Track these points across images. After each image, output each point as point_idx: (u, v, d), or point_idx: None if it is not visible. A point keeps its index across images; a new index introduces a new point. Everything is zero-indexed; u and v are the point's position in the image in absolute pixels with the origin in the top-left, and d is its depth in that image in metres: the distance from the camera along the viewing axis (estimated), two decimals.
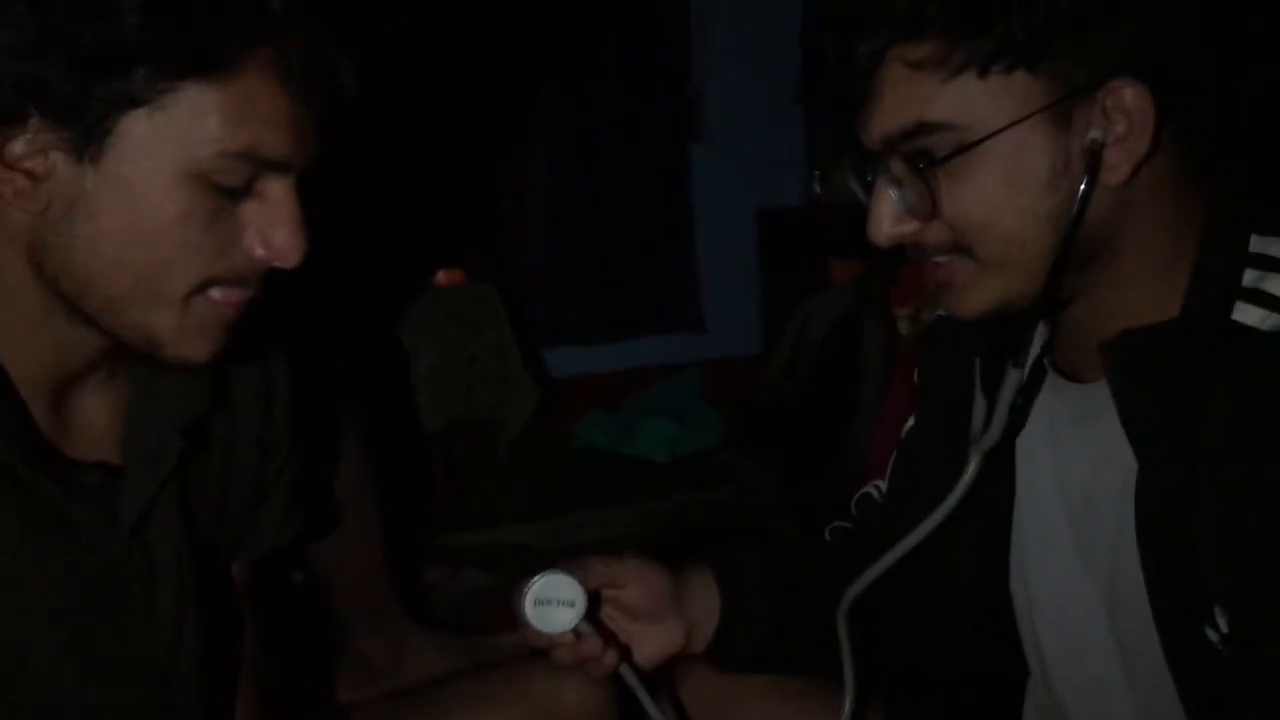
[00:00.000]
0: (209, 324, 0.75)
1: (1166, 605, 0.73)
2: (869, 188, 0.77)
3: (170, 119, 0.68)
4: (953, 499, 0.79)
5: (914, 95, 0.72)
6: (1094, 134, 0.71)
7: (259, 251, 0.74)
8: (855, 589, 0.86)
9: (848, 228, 0.87)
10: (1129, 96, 0.71)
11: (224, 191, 0.71)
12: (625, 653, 0.88)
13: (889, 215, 0.75)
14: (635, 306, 3.12)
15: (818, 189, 0.85)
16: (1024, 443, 0.84)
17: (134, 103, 0.68)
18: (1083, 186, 0.71)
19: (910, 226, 0.75)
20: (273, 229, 0.73)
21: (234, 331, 0.77)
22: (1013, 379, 0.77)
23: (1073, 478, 0.80)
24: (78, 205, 0.70)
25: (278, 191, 0.73)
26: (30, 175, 0.69)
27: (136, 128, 0.68)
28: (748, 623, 0.92)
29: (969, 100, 0.71)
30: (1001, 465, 0.83)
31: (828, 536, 1.06)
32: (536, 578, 0.82)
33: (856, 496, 1.09)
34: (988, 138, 0.71)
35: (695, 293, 3.17)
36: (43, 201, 0.70)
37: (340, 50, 0.73)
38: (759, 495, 2.32)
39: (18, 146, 0.68)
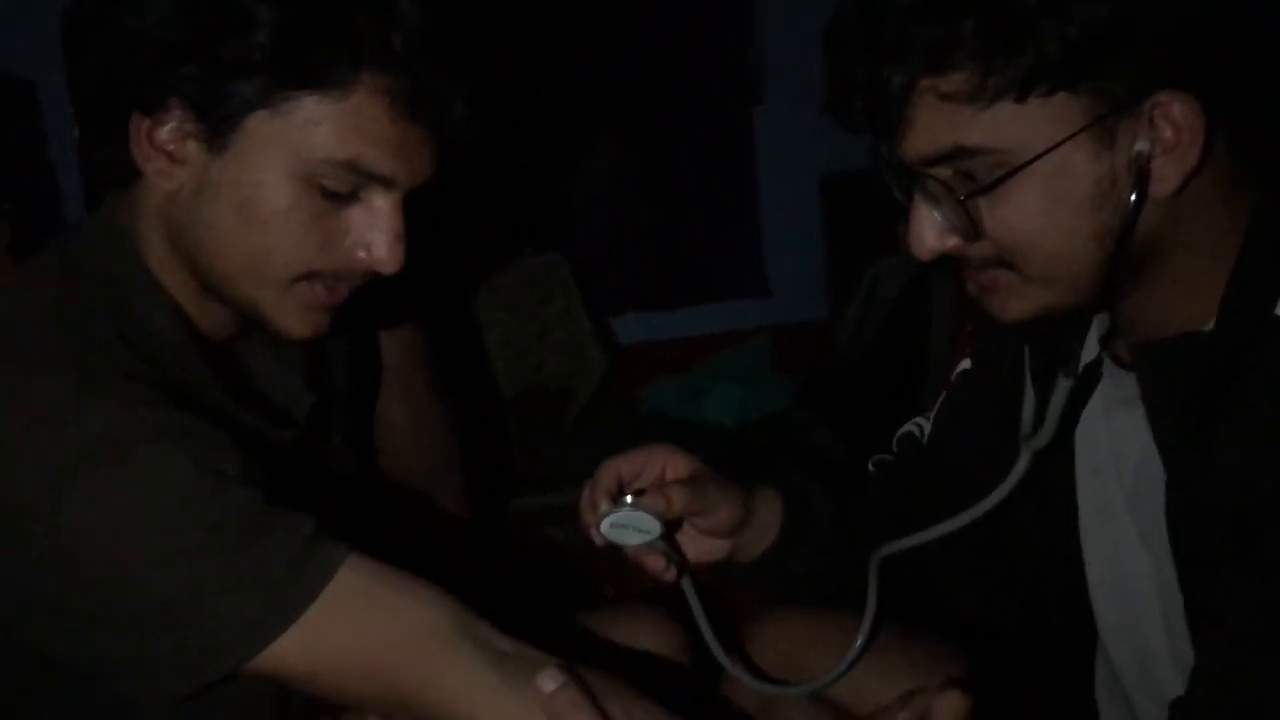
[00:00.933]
0: (308, 308, 0.84)
1: (1195, 598, 0.75)
2: (907, 197, 0.76)
3: (287, 123, 0.77)
4: (999, 493, 0.81)
5: (949, 122, 0.70)
6: (1140, 146, 0.69)
7: (359, 254, 0.82)
8: (889, 550, 0.89)
9: None
10: (1177, 110, 0.69)
11: (330, 195, 0.79)
12: (686, 564, 0.92)
13: (931, 231, 0.75)
14: (700, 272, 3.13)
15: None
16: (1085, 421, 0.85)
17: (259, 105, 0.76)
18: (1132, 199, 0.70)
19: (953, 242, 0.75)
20: (373, 237, 0.81)
21: (334, 317, 0.86)
22: (1063, 388, 0.77)
23: (1128, 457, 0.82)
24: (204, 189, 0.80)
25: (381, 203, 0.81)
26: (171, 158, 0.79)
27: (259, 127, 0.77)
28: (801, 551, 0.95)
29: (1008, 125, 0.70)
30: (1061, 442, 0.84)
31: (871, 468, 1.08)
32: (615, 510, 0.86)
33: (900, 433, 1.09)
34: (1030, 162, 0.70)
35: (760, 258, 3.17)
36: (178, 182, 0.80)
37: (453, 90, 0.79)
38: (828, 458, 2.33)
39: (163, 132, 0.79)
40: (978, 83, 0.69)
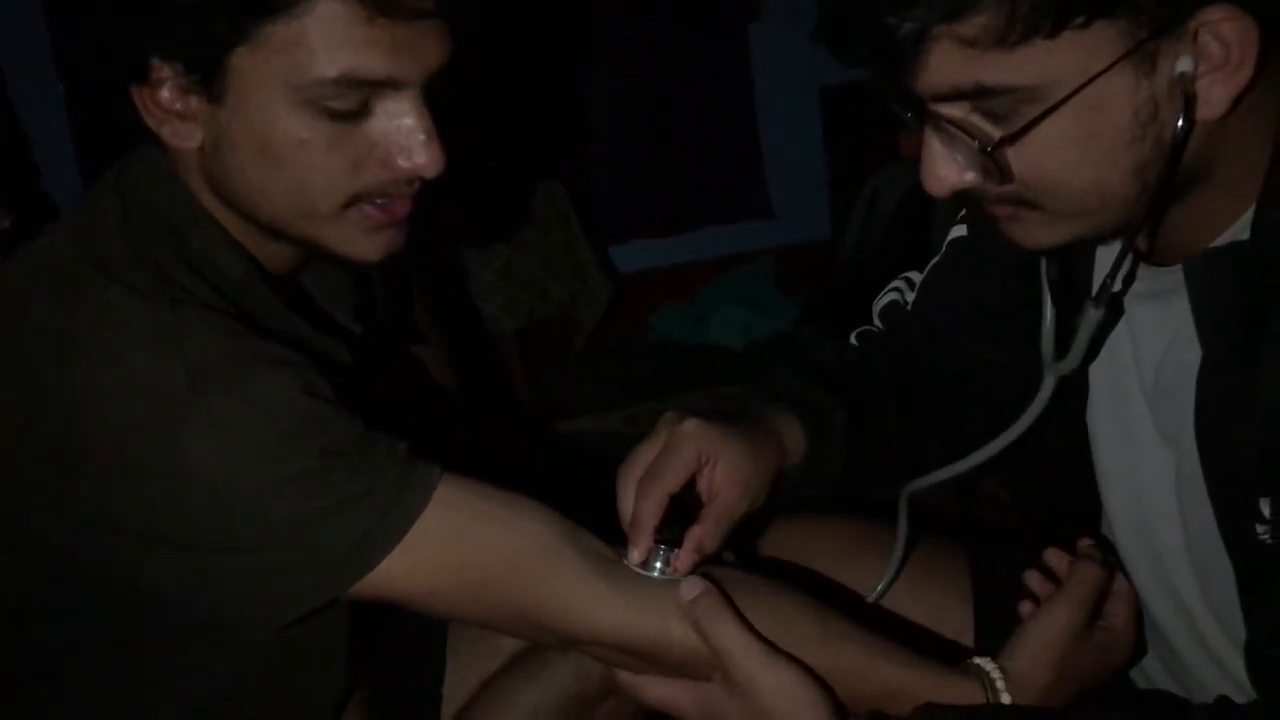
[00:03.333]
0: (370, 230, 0.80)
1: (1220, 488, 0.73)
2: (918, 128, 0.69)
3: (268, 53, 0.73)
4: (1026, 419, 0.78)
5: (969, 62, 0.63)
6: (1183, 68, 0.63)
7: (400, 163, 0.77)
8: (919, 485, 0.87)
9: None
10: (1227, 28, 0.62)
11: (341, 115, 0.75)
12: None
13: (946, 167, 0.69)
14: (701, 196, 3.09)
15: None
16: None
17: (235, 42, 0.73)
18: (1178, 125, 0.64)
19: (970, 177, 0.69)
20: (404, 143, 0.77)
21: (405, 230, 0.82)
22: (1093, 318, 0.74)
23: (1149, 353, 0.79)
24: (221, 141, 0.77)
25: (398, 107, 0.76)
26: (180, 116, 0.77)
27: (244, 64, 0.74)
28: (827, 465, 0.92)
29: (1037, 61, 0.62)
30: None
31: (854, 341, 1.04)
32: (658, 560, 0.79)
33: (882, 302, 1.04)
34: (1064, 99, 0.63)
35: (761, 178, 3.13)
36: (199, 138, 0.77)
37: None
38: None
39: (164, 93, 0.76)
40: (1003, 24, 0.61)
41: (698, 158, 3.08)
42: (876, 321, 1.06)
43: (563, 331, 2.71)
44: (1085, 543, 0.82)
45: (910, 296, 1.03)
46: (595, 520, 0.81)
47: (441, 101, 0.79)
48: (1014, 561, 0.94)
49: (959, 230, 0.98)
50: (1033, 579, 0.84)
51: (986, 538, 1.08)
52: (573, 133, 2.99)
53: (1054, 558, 0.84)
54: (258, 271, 0.82)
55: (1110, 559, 0.83)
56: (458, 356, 1.74)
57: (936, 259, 1.01)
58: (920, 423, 0.99)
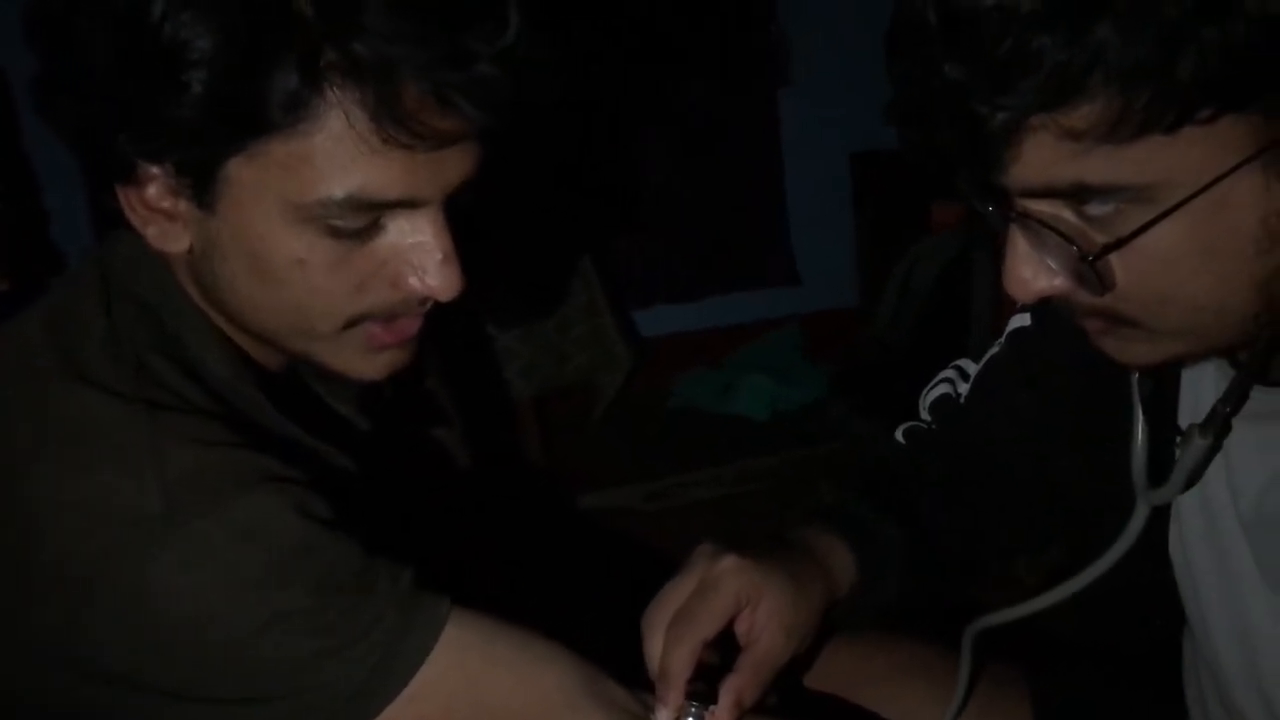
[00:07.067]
0: (372, 351, 0.72)
1: None
2: (1001, 225, 0.60)
3: (266, 168, 0.64)
4: (1113, 554, 0.70)
5: (1070, 156, 0.54)
6: None
7: (411, 283, 0.69)
8: (986, 623, 0.79)
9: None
10: None
11: (346, 234, 0.66)
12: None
13: (1032, 269, 0.59)
14: (726, 261, 3.03)
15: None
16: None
17: (231, 152, 0.65)
18: None
19: (1060, 283, 0.60)
20: (418, 264, 0.68)
21: (413, 349, 0.74)
22: (1199, 446, 0.66)
23: (1248, 480, 0.69)
24: (210, 249, 0.69)
25: (415, 226, 0.68)
26: (169, 217, 0.68)
27: (241, 174, 0.65)
28: (879, 587, 0.84)
29: (1151, 159, 0.53)
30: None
31: (900, 438, 0.95)
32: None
33: (932, 396, 0.95)
34: (1182, 203, 0.54)
35: (787, 244, 3.06)
36: (185, 242, 0.69)
37: (459, 59, 0.64)
38: (871, 452, 2.24)
39: (151, 190, 0.68)
40: (1116, 116, 0.52)
41: (723, 221, 3.02)
42: (925, 415, 0.97)
43: (582, 399, 2.64)
44: None
45: (963, 389, 0.95)
46: (609, 616, 0.75)
47: (464, 214, 0.70)
48: (1080, 696, 0.85)
49: (1021, 319, 0.89)
50: None
51: (1048, 655, 0.98)
52: (596, 194, 2.95)
53: None
54: (249, 369, 0.74)
55: None
56: (472, 426, 1.67)
57: (995, 350, 0.93)
58: (979, 533, 0.90)
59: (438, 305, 0.72)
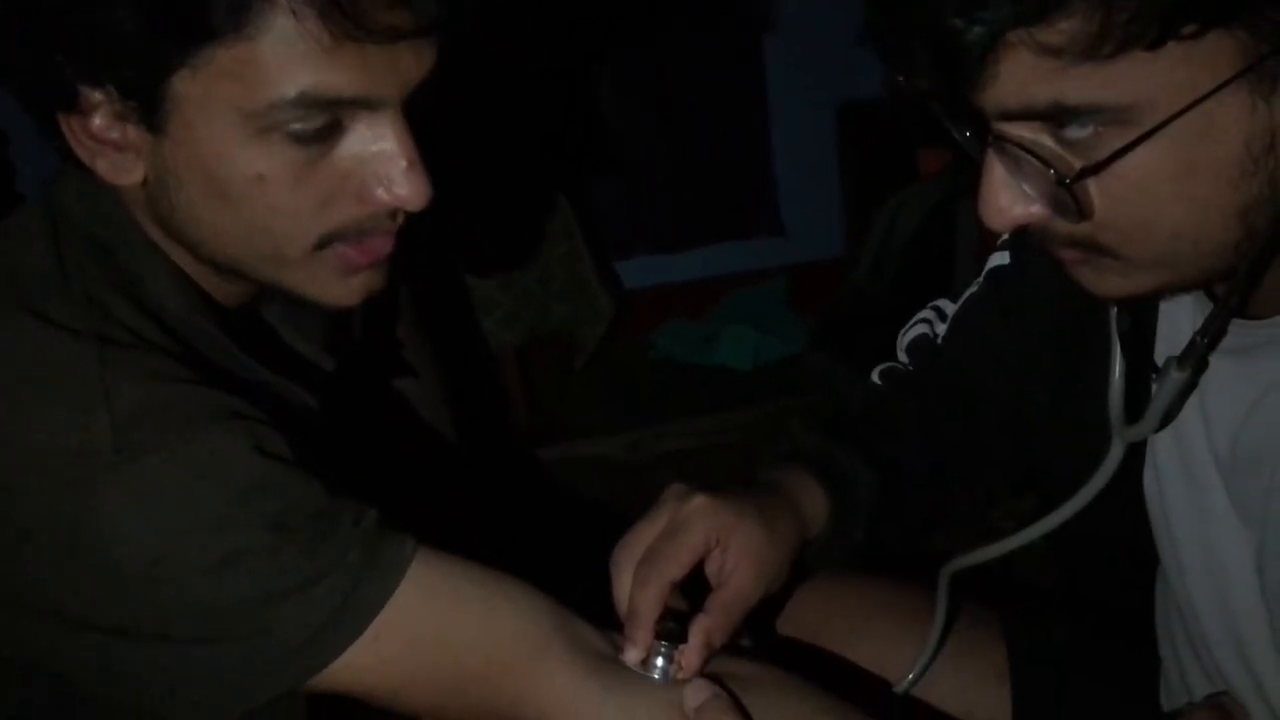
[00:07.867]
0: (346, 273, 0.70)
1: None
2: (978, 150, 0.58)
3: (212, 77, 0.61)
4: (1088, 492, 0.69)
5: (1049, 74, 0.52)
6: None
7: (378, 194, 0.67)
8: (961, 563, 0.78)
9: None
10: None
11: (304, 139, 0.64)
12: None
13: (1009, 196, 0.58)
14: (710, 211, 3.00)
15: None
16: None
17: (174, 66, 0.61)
18: None
19: (1037, 211, 0.58)
20: (382, 172, 0.66)
21: (386, 270, 0.72)
22: (1175, 380, 0.64)
23: (1223, 415, 0.68)
24: (165, 176, 0.66)
25: (375, 132, 0.65)
26: (117, 147, 0.65)
27: (188, 89, 0.62)
28: (852, 531, 0.83)
29: (1132, 77, 0.51)
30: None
31: (877, 379, 0.94)
32: (659, 658, 0.69)
33: (910, 337, 0.94)
34: (1163, 124, 0.52)
35: (773, 194, 3.03)
36: (138, 173, 0.66)
37: None
38: (850, 400, 2.23)
39: (97, 119, 0.65)
40: (1095, 31, 0.50)
41: (706, 171, 2.98)
42: (902, 357, 0.96)
43: (563, 349, 2.62)
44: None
45: (941, 329, 0.93)
46: (588, 565, 0.72)
47: (427, 119, 0.67)
48: (1053, 637, 0.85)
49: (1000, 258, 0.88)
50: None
51: (1022, 598, 0.98)
52: (578, 143, 2.91)
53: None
54: (211, 308, 0.71)
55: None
56: (451, 374, 1.65)
57: (973, 289, 0.91)
58: (954, 474, 0.89)
59: (409, 220, 0.69)
